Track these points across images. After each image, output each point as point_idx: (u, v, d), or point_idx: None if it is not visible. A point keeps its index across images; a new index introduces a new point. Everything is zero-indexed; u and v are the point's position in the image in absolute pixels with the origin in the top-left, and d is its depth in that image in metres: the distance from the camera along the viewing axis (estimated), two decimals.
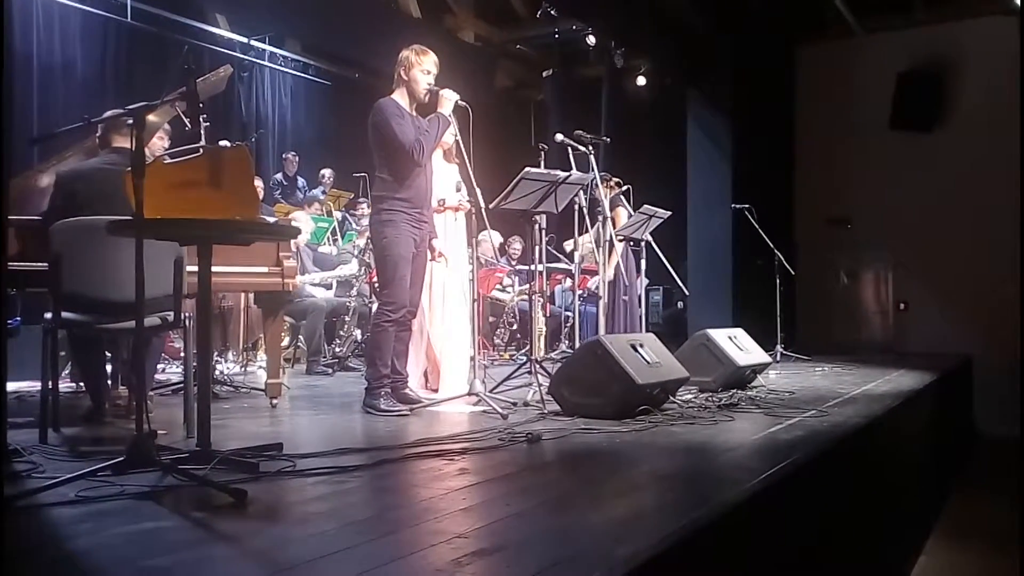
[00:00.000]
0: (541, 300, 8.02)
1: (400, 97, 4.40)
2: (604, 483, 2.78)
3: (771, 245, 7.82)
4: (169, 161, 2.77)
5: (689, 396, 4.65)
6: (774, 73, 9.67)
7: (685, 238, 9.04)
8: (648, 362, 4.17)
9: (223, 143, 5.35)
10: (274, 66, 10.69)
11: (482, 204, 4.36)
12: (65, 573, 1.84)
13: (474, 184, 4.37)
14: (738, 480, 2.75)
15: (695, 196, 9.08)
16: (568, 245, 7.11)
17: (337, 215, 9.32)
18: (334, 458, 2.98)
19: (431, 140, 4.36)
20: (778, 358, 7.48)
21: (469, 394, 4.37)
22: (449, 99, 4.37)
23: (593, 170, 5.15)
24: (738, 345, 5.28)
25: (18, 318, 5.54)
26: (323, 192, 10.04)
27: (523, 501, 2.45)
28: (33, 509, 2.29)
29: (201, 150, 2.81)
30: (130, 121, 2.48)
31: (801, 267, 8.92)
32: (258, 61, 10.46)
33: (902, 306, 9.70)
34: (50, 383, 3.53)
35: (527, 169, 4.47)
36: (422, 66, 4.35)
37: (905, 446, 5.00)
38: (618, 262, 6.09)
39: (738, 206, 7.95)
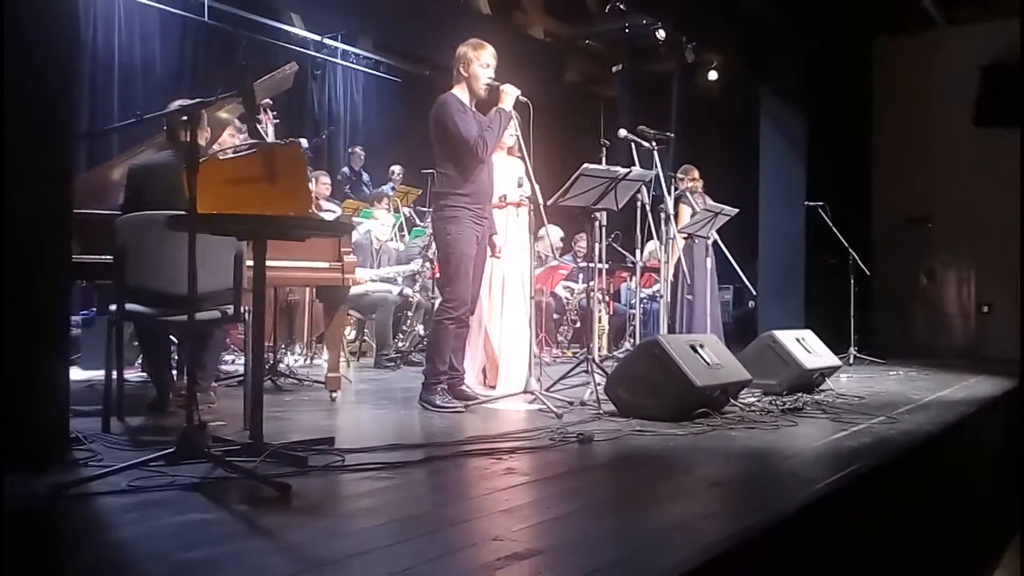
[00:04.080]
0: (605, 298, 7.95)
1: (461, 92, 4.38)
2: (653, 488, 2.71)
3: (845, 244, 7.60)
4: (224, 157, 2.81)
5: (752, 399, 4.52)
6: (851, 67, 9.36)
7: (757, 236, 8.84)
8: (708, 363, 4.07)
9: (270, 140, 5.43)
10: (346, 64, 10.84)
11: (540, 201, 4.32)
12: (105, 563, 1.87)
13: (533, 181, 4.34)
14: (795, 489, 2.66)
15: (767, 193, 8.85)
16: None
17: (405, 211, 9.39)
18: (384, 454, 2.98)
19: (494, 136, 4.34)
20: (851, 361, 7.27)
21: (524, 392, 4.34)
22: (510, 94, 4.33)
23: (656, 166, 5.07)
24: (805, 347, 5.12)
25: (94, 308, 5.73)
26: (392, 188, 10.13)
27: (567, 504, 2.41)
28: (85, 497, 2.34)
29: (255, 147, 2.83)
30: (184, 117, 2.51)
31: (879, 267, 8.63)
32: (330, 59, 10.63)
33: (985, 309, 9.30)
34: (114, 373, 3.62)
35: (585, 165, 4.42)
36: (481, 60, 4.32)
37: (980, 455, 4.78)
38: (680, 259, 5.97)
39: (812, 204, 7.74)
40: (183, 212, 2.66)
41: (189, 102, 2.77)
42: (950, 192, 9.28)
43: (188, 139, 2.53)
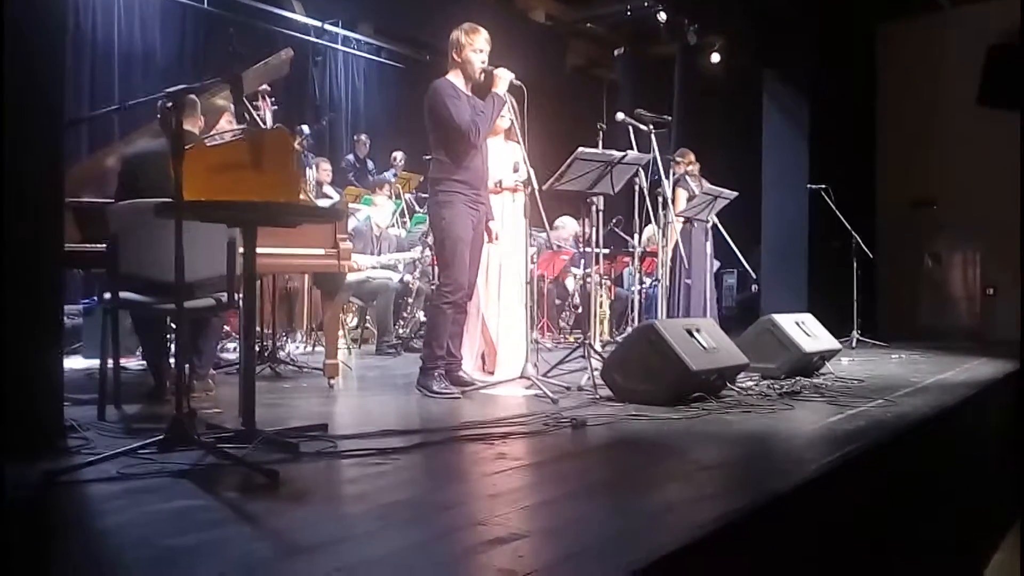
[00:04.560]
0: (607, 283, 7.94)
1: (455, 78, 4.36)
2: (644, 472, 2.71)
3: (848, 227, 7.56)
4: (210, 144, 2.80)
5: (750, 383, 4.51)
6: (855, 49, 9.28)
7: (759, 219, 8.80)
8: (704, 348, 4.05)
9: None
10: (347, 49, 10.80)
11: (536, 186, 4.30)
12: (90, 550, 1.88)
13: (528, 166, 4.32)
14: (787, 472, 2.65)
15: (770, 176, 8.82)
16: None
17: (407, 197, 9.37)
18: (376, 440, 2.98)
19: (486, 121, 4.32)
20: (854, 344, 7.25)
21: (521, 377, 4.33)
22: (504, 78, 4.31)
23: (654, 150, 5.04)
24: (805, 331, 5.09)
25: (94, 297, 5.73)
26: (394, 175, 10.11)
27: (555, 488, 2.41)
28: (74, 485, 2.34)
29: (242, 133, 2.81)
30: (170, 104, 2.50)
31: (884, 250, 8.58)
32: (332, 45, 10.59)
33: (990, 291, 9.24)
34: (110, 361, 3.63)
35: (580, 149, 4.39)
36: (474, 46, 4.30)
37: (979, 438, 4.75)
38: (677, 243, 5.94)
39: (815, 187, 7.70)
40: (169, 199, 2.66)
41: (166, 91, 2.75)
42: (955, 174, 9.20)
43: (174, 126, 2.52)
